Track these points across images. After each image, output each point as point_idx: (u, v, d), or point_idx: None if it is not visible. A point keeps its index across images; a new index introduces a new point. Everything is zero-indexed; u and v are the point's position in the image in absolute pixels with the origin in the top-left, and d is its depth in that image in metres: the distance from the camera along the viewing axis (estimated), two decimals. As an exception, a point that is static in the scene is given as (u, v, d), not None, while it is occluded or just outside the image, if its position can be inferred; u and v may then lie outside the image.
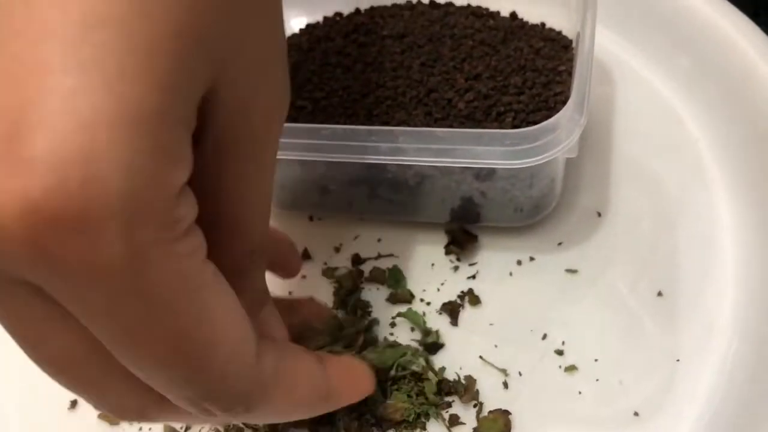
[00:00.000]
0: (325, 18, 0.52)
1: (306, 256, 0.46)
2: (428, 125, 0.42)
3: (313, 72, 0.47)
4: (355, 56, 0.47)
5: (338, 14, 0.51)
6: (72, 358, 0.25)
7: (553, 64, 0.44)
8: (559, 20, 0.47)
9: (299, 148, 0.40)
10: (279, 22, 0.27)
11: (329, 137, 0.40)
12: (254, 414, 0.28)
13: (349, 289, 0.44)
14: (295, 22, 0.52)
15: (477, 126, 0.41)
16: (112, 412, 0.28)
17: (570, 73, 0.43)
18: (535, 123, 0.41)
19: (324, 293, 0.44)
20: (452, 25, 0.47)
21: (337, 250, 0.46)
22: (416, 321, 0.42)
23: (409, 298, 0.43)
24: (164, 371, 0.25)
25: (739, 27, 0.46)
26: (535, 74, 0.44)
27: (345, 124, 0.43)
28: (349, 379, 0.35)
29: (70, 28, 0.20)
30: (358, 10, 0.51)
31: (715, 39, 0.47)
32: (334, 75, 0.46)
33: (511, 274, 0.43)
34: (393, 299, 0.43)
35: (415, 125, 0.42)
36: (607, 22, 0.50)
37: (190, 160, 0.23)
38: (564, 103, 0.41)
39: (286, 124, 0.41)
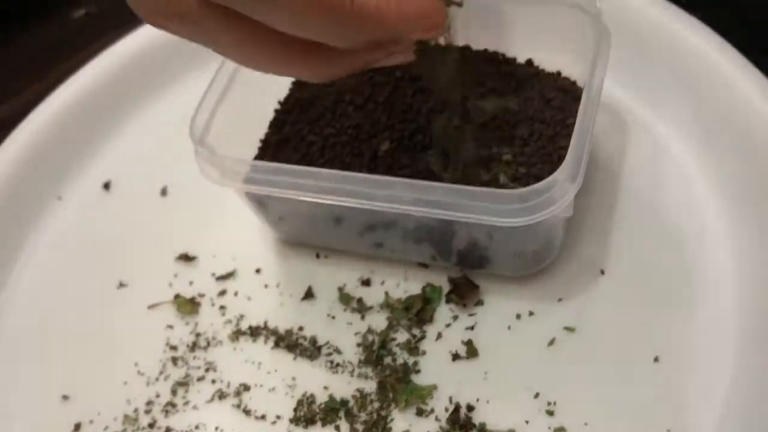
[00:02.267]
0: (344, 55, 0.52)
1: (309, 294, 0.47)
2: (431, 171, 0.42)
3: (326, 107, 0.48)
4: (367, 95, 0.47)
5: (358, 52, 0.52)
6: (258, 45, 0.33)
7: (562, 116, 0.44)
8: (576, 69, 0.46)
9: (300, 188, 0.41)
10: None
11: (329, 179, 0.40)
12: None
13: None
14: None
15: (479, 175, 0.41)
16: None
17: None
18: (537, 176, 0.41)
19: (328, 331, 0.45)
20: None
21: (341, 289, 0.47)
22: None
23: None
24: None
25: (754, 84, 0.45)
26: (542, 126, 0.43)
27: (352, 162, 0.44)
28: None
29: None
30: (376, 49, 0.51)
31: (733, 102, 0.46)
32: (346, 112, 0.47)
33: (509, 327, 0.43)
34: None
35: (418, 170, 0.42)
36: (620, 72, 0.49)
37: None
38: (567, 158, 0.41)
39: (288, 166, 0.42)
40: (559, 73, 0.47)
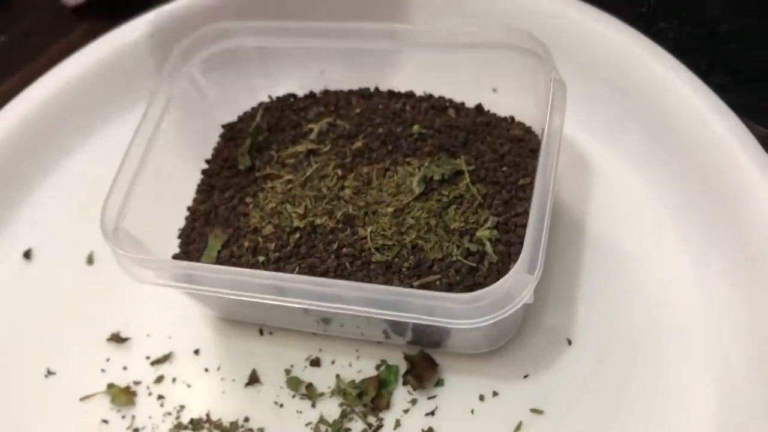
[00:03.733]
0: (278, 98, 0.47)
1: (254, 379, 0.43)
2: (374, 251, 0.38)
3: (257, 169, 0.43)
4: (305, 160, 0.42)
5: (292, 95, 0.47)
6: None
7: (516, 175, 0.39)
8: (529, 112, 0.42)
9: (234, 287, 0.36)
10: None
11: (264, 279, 0.36)
12: None
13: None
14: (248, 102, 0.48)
15: (425, 254, 0.37)
16: None
17: (533, 188, 0.38)
18: (493, 252, 0.37)
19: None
20: (410, 123, 0.42)
21: (288, 372, 0.43)
22: None
23: None
24: None
25: (734, 132, 0.40)
26: (496, 188, 0.39)
27: (288, 241, 0.39)
28: None
29: None
30: (312, 93, 0.47)
31: (701, 142, 0.42)
32: (280, 176, 0.42)
33: (472, 411, 0.40)
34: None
35: (361, 248, 0.38)
36: (579, 109, 0.44)
37: None
38: (524, 227, 0.37)
39: (218, 267, 0.38)
40: (512, 119, 0.43)
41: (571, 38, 0.46)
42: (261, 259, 0.39)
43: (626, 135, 0.45)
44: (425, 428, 0.39)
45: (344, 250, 0.38)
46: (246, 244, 0.40)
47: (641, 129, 0.44)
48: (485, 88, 0.43)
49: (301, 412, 0.41)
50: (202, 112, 0.46)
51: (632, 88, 0.44)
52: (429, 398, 0.40)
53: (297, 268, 0.38)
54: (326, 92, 0.46)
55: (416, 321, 0.34)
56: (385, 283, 0.37)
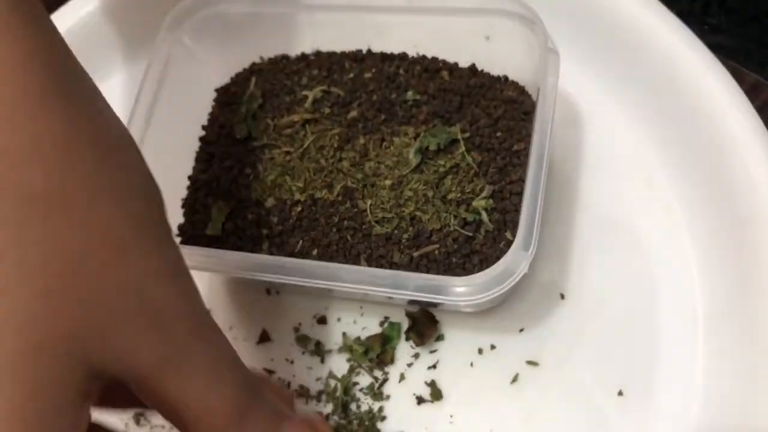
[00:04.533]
0: (270, 60, 0.47)
1: (265, 337, 0.45)
2: (374, 223, 0.39)
3: (255, 139, 0.44)
4: (302, 130, 0.43)
5: (284, 57, 0.47)
6: None
7: (510, 140, 0.40)
8: (523, 72, 0.42)
9: (241, 267, 0.38)
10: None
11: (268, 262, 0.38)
12: None
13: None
14: (241, 60, 0.47)
15: (423, 225, 0.39)
16: None
17: (527, 154, 0.39)
18: (489, 221, 0.38)
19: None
20: (404, 88, 0.43)
21: (297, 329, 0.45)
22: None
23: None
24: None
25: (724, 89, 0.41)
26: (490, 155, 0.40)
27: (289, 215, 0.41)
28: None
29: None
30: (304, 55, 0.46)
31: (699, 101, 0.42)
32: (277, 144, 0.43)
33: (472, 364, 0.42)
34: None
35: (361, 221, 0.40)
36: (576, 59, 0.45)
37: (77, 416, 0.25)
38: (518, 194, 0.38)
39: (223, 252, 0.39)
40: (505, 78, 0.43)
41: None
42: (265, 231, 0.41)
43: (618, 89, 0.45)
44: (428, 380, 0.42)
45: (345, 223, 0.40)
46: (249, 216, 0.41)
47: (634, 83, 0.44)
48: (477, 50, 0.43)
49: (311, 368, 0.44)
50: (194, 77, 0.46)
51: (622, 40, 0.44)
52: (430, 352, 0.43)
53: (300, 241, 0.40)
54: (318, 54, 0.46)
55: (415, 299, 0.36)
56: (386, 254, 0.39)
